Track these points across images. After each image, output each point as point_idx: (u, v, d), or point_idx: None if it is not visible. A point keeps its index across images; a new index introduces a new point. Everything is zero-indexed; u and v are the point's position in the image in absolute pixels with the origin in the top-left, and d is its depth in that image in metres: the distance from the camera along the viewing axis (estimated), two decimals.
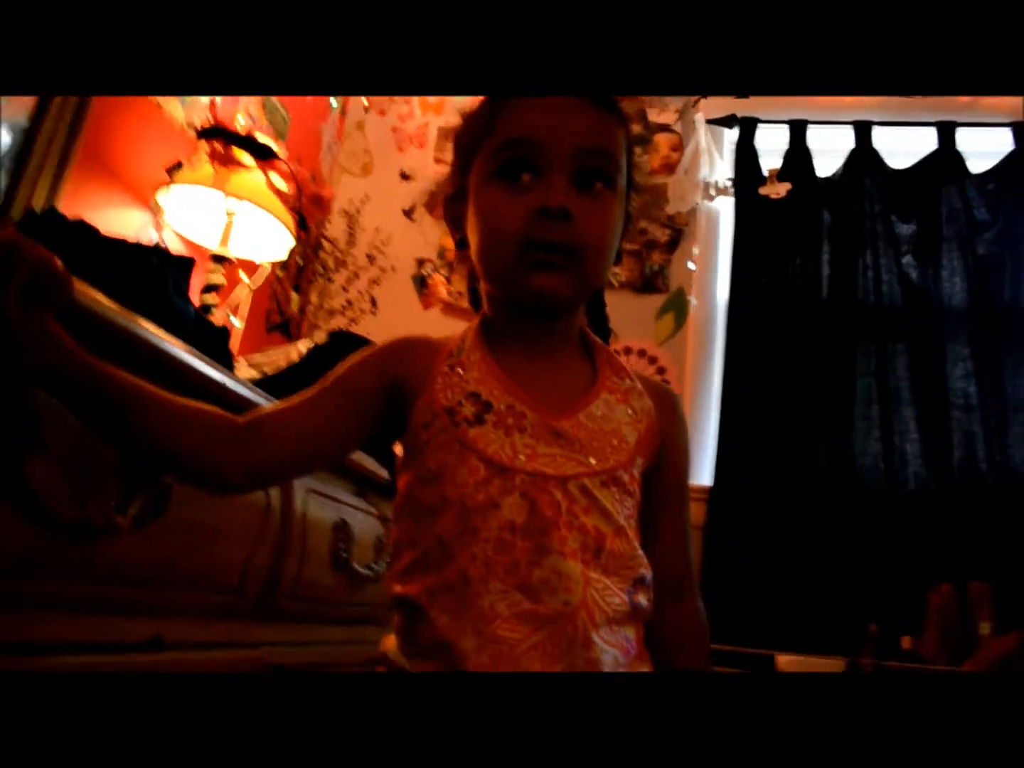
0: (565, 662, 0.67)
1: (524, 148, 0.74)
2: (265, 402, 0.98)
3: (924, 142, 2.62)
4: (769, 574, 2.15)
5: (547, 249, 0.73)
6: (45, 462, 0.67)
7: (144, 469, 0.78)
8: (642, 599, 0.74)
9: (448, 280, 2.64)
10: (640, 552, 0.75)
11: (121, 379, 0.68)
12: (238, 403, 0.91)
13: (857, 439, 2.26)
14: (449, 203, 0.85)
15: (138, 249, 1.04)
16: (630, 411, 0.79)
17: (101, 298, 0.74)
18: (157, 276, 1.01)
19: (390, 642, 0.78)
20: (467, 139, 0.81)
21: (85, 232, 1.01)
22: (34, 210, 1.39)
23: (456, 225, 0.85)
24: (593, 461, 0.73)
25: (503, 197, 0.74)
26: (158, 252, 1.06)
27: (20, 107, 1.58)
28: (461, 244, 0.85)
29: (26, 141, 1.54)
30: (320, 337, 1.46)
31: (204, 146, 1.75)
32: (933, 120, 2.61)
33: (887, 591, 2.03)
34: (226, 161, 1.73)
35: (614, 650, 0.70)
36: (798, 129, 2.68)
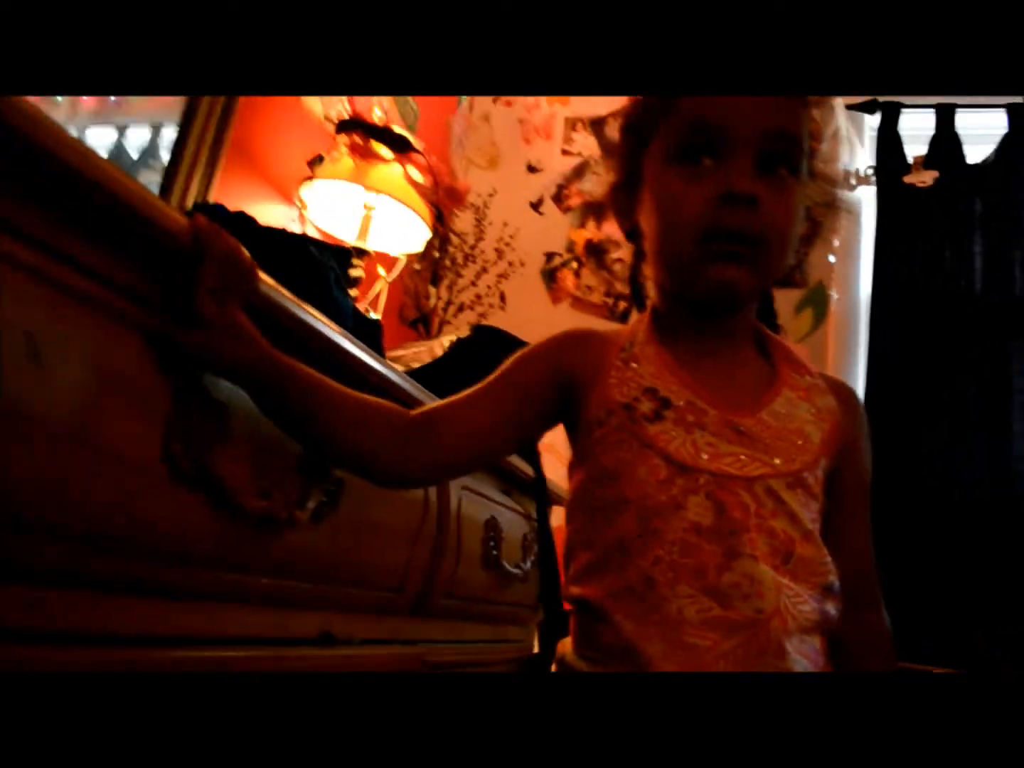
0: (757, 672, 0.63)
1: (706, 129, 0.70)
2: (424, 397, 0.96)
3: None
4: (920, 582, 2.02)
5: (730, 239, 0.69)
6: (232, 453, 0.66)
7: (321, 463, 0.77)
8: (831, 608, 0.70)
9: (577, 274, 2.60)
10: (829, 558, 0.71)
11: (306, 375, 0.68)
12: (399, 398, 0.89)
13: (1017, 444, 2.10)
14: (617, 191, 0.82)
15: (299, 240, 1.04)
16: (813, 409, 0.74)
17: (276, 288, 0.73)
18: (319, 267, 1.00)
19: (566, 645, 0.75)
20: (640, 120, 0.77)
21: (247, 224, 1.02)
22: (201, 203, 1.42)
23: (625, 214, 0.81)
24: (778, 461, 0.69)
25: (683, 182, 0.70)
26: (317, 243, 1.06)
27: (172, 106, 1.62)
28: (632, 235, 0.82)
29: (178, 139, 1.59)
30: (462, 331, 1.44)
31: (343, 139, 1.76)
32: None
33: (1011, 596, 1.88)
34: (365, 154, 1.73)
35: (805, 660, 0.66)
36: (945, 113, 2.52)
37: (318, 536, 0.78)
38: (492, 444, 0.77)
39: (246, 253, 0.64)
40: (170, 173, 1.56)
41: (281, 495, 0.72)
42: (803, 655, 0.66)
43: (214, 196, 1.59)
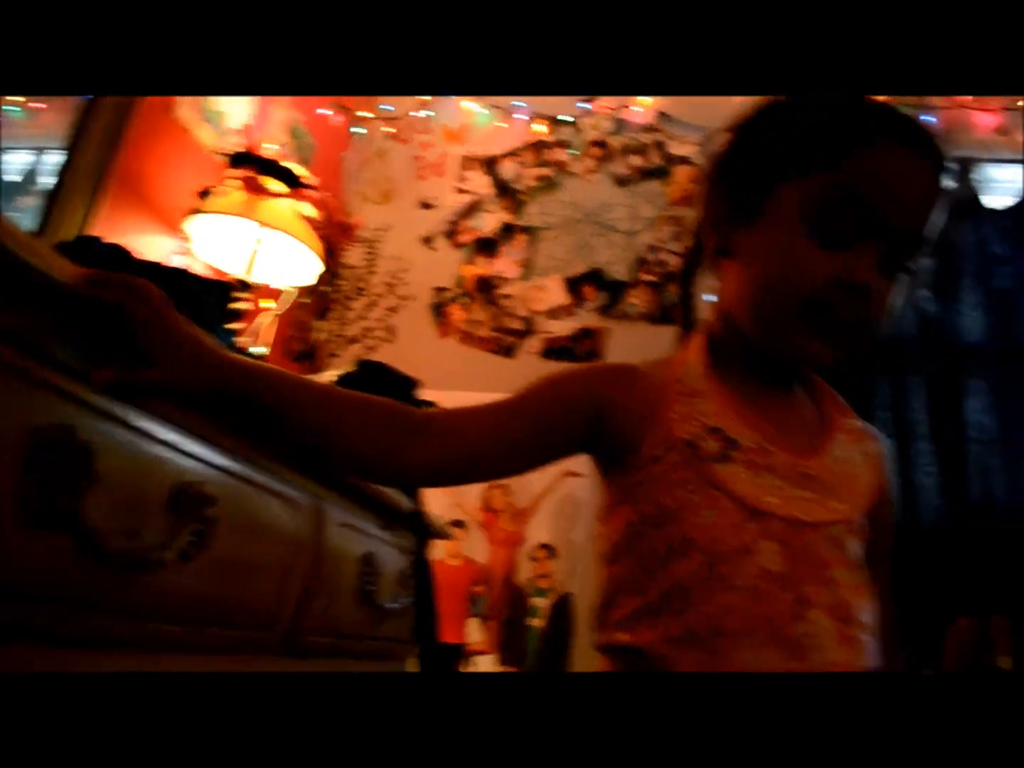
0: None
1: (856, 207, 0.66)
2: None
3: None
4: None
5: (832, 319, 0.67)
6: (95, 493, 0.67)
7: (190, 502, 0.78)
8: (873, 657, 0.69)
9: (466, 309, 2.65)
10: (871, 609, 0.70)
11: (285, 379, 0.67)
12: None
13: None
14: (721, 201, 0.74)
15: (176, 274, 1.04)
16: (862, 454, 0.74)
17: None
18: (197, 302, 1.01)
19: None
20: (791, 151, 0.69)
21: (123, 257, 1.01)
22: (77, 236, 1.40)
23: (722, 229, 0.74)
24: (841, 506, 0.69)
25: (809, 246, 0.66)
26: (195, 277, 1.06)
27: (55, 131, 1.60)
28: (722, 252, 0.75)
29: (63, 167, 1.56)
30: (349, 365, 1.46)
31: (234, 173, 1.76)
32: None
33: (905, 626, 2.01)
34: (256, 188, 1.74)
35: None
36: None
37: (185, 576, 0.78)
38: (510, 461, 0.73)
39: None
40: (51, 203, 1.54)
41: (149, 535, 0.72)
42: None
43: (96, 227, 1.57)
